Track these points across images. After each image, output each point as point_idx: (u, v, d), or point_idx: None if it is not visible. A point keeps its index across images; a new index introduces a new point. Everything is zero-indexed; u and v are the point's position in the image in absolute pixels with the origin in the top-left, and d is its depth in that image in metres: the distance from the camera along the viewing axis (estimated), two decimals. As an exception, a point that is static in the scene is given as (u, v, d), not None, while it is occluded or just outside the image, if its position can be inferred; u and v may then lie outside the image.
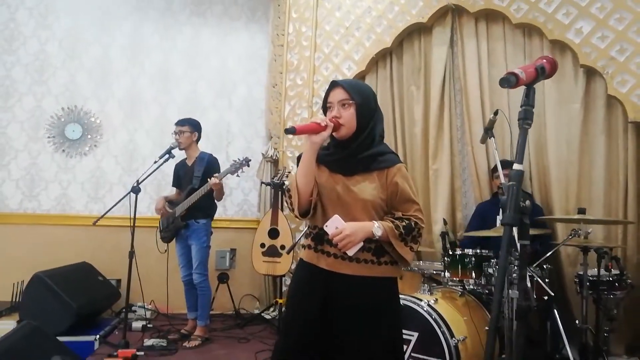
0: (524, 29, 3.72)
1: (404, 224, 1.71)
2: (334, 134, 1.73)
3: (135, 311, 4.28)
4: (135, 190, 3.49)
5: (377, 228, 1.68)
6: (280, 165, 4.58)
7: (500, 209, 3.06)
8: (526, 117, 1.31)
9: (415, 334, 2.53)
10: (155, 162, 3.59)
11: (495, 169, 3.47)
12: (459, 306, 2.70)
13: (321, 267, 1.77)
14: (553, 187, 3.52)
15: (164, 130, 4.78)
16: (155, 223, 3.96)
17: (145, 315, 4.26)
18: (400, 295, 2.65)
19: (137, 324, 3.97)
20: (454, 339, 2.41)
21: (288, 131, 1.62)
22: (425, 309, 2.52)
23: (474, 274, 2.73)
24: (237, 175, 3.64)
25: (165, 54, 4.89)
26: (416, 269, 3.27)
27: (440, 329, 2.44)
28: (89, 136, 4.71)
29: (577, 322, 2.81)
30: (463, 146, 4.00)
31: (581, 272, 2.96)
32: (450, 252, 2.85)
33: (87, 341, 3.51)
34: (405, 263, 1.78)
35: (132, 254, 3.44)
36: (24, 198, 4.57)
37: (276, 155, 4.64)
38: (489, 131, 2.43)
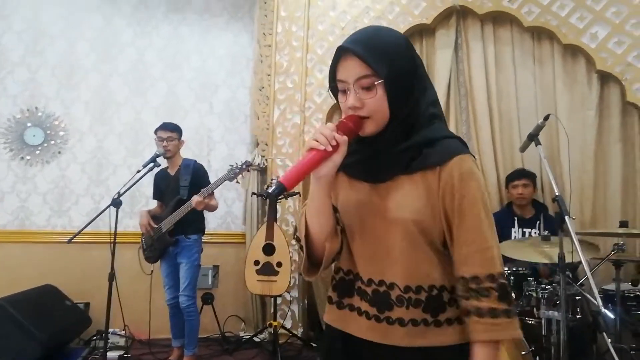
0: (533, 33, 3.59)
1: (492, 298, 1.00)
2: (359, 133, 1.07)
3: (109, 339, 3.79)
4: (116, 203, 3.06)
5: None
6: (269, 174, 4.22)
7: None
8: None
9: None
10: (139, 171, 3.17)
11: (511, 177, 3.29)
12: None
13: (350, 334, 1.13)
14: (566, 197, 3.38)
15: (137, 135, 4.35)
16: (128, 239, 3.56)
17: (120, 343, 3.80)
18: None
19: (112, 354, 3.50)
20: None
21: (276, 192, 0.99)
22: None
23: (513, 295, 2.50)
24: (237, 182, 3.29)
25: (139, 52, 4.44)
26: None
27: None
28: (52, 142, 4.18)
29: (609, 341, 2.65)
30: (469, 154, 3.81)
31: (608, 287, 2.85)
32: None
33: (57, 378, 3.06)
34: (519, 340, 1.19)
35: (112, 275, 3.03)
36: (-25, 212, 3.99)
37: (264, 164, 4.28)
38: (534, 138, 2.22)
